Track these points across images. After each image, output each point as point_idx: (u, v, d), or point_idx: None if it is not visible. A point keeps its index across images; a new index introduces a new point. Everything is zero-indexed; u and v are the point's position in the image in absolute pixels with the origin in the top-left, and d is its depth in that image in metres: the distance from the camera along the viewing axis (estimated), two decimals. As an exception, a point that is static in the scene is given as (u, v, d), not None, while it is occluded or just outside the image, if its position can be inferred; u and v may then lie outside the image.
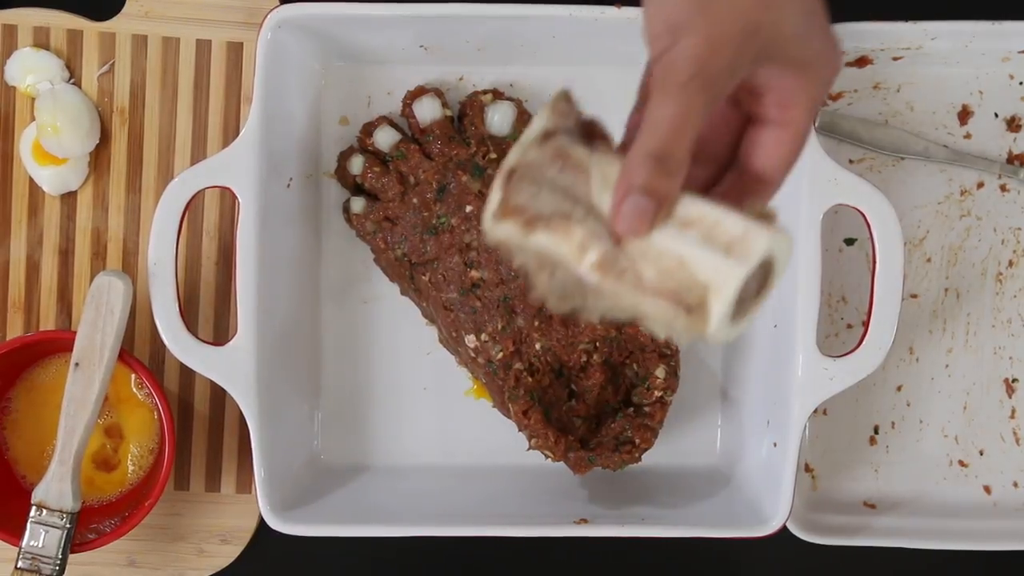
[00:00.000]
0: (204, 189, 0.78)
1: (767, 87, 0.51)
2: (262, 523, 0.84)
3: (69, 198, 0.86)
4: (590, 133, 0.52)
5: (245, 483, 0.87)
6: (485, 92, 0.84)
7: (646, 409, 0.82)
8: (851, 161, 0.87)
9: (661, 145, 0.48)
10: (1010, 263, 0.88)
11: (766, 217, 0.49)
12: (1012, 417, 0.88)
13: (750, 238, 0.48)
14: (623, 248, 0.49)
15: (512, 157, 0.50)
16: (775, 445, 0.79)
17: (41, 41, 0.86)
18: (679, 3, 0.48)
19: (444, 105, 0.84)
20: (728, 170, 0.54)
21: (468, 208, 0.81)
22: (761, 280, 0.50)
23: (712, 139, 0.54)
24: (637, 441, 0.81)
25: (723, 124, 0.54)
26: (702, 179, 0.53)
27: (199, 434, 0.87)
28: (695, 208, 0.49)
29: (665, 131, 0.48)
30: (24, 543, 0.77)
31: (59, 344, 0.81)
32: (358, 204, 0.84)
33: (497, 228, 0.50)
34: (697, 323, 0.49)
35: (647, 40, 0.49)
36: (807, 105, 0.51)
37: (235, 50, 0.86)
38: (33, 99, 0.85)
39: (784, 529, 0.79)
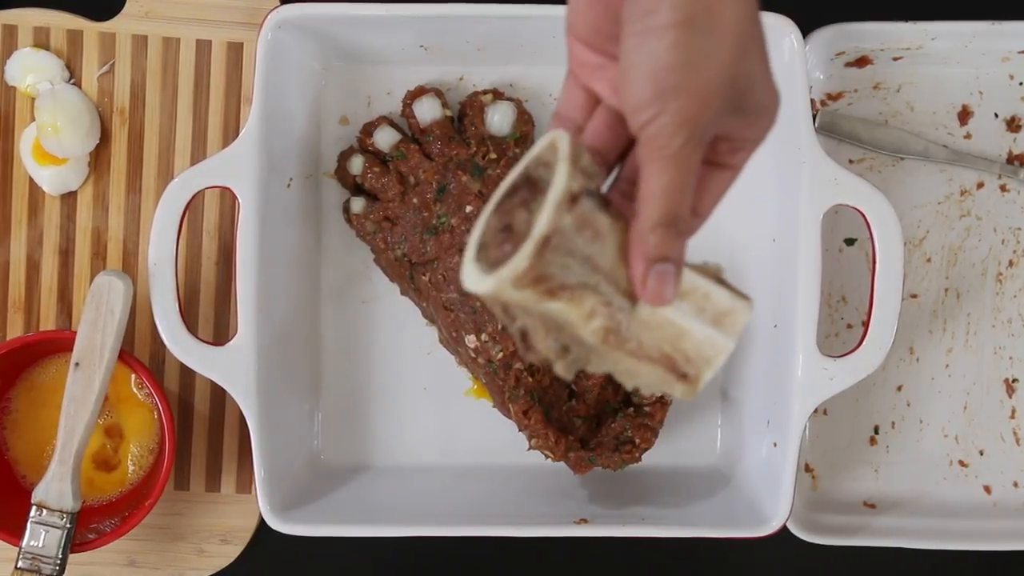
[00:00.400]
0: (204, 189, 0.78)
1: (725, 135, 0.51)
2: (262, 523, 0.84)
3: (69, 198, 0.86)
4: (602, 195, 0.52)
5: (245, 483, 0.87)
6: (485, 92, 0.84)
7: (646, 409, 0.82)
8: (851, 161, 0.87)
9: (668, 212, 0.49)
10: (1010, 263, 0.88)
11: (740, 292, 0.52)
12: (1012, 417, 0.88)
13: (736, 311, 0.52)
14: (633, 315, 0.50)
15: (545, 221, 0.48)
16: (775, 445, 0.79)
17: (41, 41, 0.86)
18: (668, 68, 0.47)
19: (444, 105, 0.84)
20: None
21: (468, 208, 0.81)
22: None
23: (602, 143, 0.54)
24: (637, 441, 0.81)
25: (612, 131, 0.54)
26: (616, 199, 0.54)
27: (199, 434, 0.87)
28: (686, 278, 0.51)
29: (669, 197, 0.49)
30: (24, 543, 0.77)
31: (59, 344, 0.81)
32: (358, 204, 0.84)
33: (511, 292, 0.49)
34: (687, 388, 0.52)
35: (629, 107, 0.48)
36: (755, 149, 0.52)
37: (235, 50, 0.86)
38: (33, 99, 0.85)
39: (784, 529, 0.79)
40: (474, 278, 0.50)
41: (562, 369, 0.52)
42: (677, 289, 0.50)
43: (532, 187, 0.51)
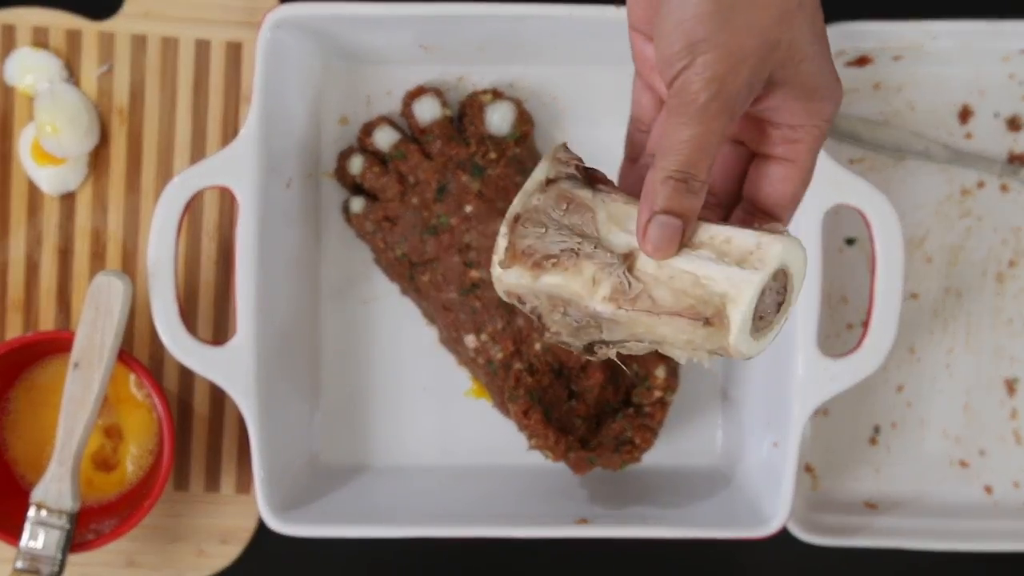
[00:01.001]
0: (203, 189, 0.78)
1: (775, 118, 0.50)
2: (262, 523, 0.84)
3: (68, 198, 0.86)
4: (592, 179, 0.53)
5: (245, 483, 0.87)
6: (485, 92, 0.84)
7: (646, 409, 0.81)
8: (851, 161, 0.87)
9: (683, 166, 0.48)
10: (1011, 263, 0.88)
11: (776, 231, 0.50)
12: (1013, 417, 0.88)
13: (764, 248, 0.49)
14: (636, 276, 0.50)
15: (516, 204, 0.51)
16: (775, 445, 0.79)
17: (40, 41, 0.85)
18: (700, 18, 0.47)
19: (444, 105, 0.84)
20: (733, 209, 0.54)
21: (468, 208, 0.81)
22: (781, 294, 0.50)
23: (717, 181, 0.54)
24: (637, 441, 0.81)
25: (727, 165, 0.54)
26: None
27: (199, 434, 0.87)
28: (704, 231, 0.50)
29: (687, 152, 0.48)
30: (23, 543, 0.77)
31: (58, 344, 0.81)
32: (358, 204, 0.84)
33: (506, 275, 0.51)
34: (717, 336, 0.49)
35: (661, 59, 0.48)
36: (813, 140, 0.50)
37: (234, 50, 0.86)
38: (32, 99, 0.85)
39: (784, 529, 0.79)
40: (495, 273, 0.52)
41: (570, 340, 0.52)
42: (675, 248, 0.49)
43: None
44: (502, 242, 0.51)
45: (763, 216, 0.52)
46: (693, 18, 0.47)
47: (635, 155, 0.56)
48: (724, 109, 0.47)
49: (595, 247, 0.50)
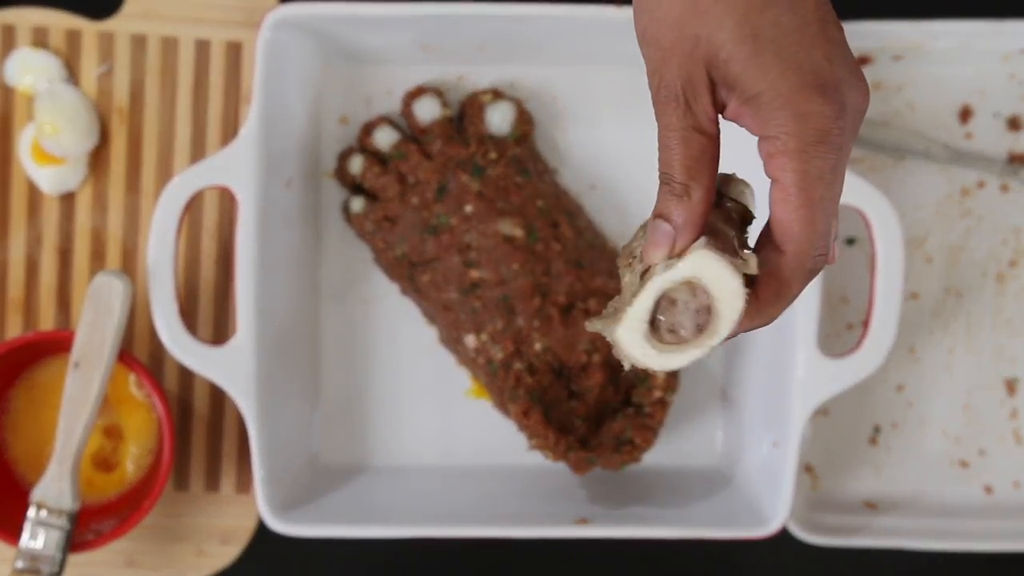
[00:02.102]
0: (203, 189, 0.78)
1: (748, 127, 0.47)
2: (262, 523, 0.84)
3: (68, 198, 0.86)
4: None
5: (245, 483, 0.87)
6: (485, 92, 0.84)
7: (646, 409, 0.81)
8: (851, 161, 0.87)
9: (661, 166, 0.47)
10: (1011, 263, 0.88)
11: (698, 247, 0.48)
12: (1013, 417, 0.88)
13: (680, 259, 0.47)
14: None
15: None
16: (775, 445, 0.79)
17: (40, 41, 0.85)
18: (634, 11, 0.48)
19: (444, 105, 0.84)
20: None
21: (468, 208, 0.81)
22: (703, 316, 0.48)
23: None
24: (637, 441, 0.81)
25: None
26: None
27: (199, 434, 0.87)
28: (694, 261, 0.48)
29: (660, 151, 0.47)
30: (23, 543, 0.77)
31: (58, 344, 0.81)
32: (358, 204, 0.84)
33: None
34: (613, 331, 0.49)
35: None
36: (789, 156, 0.45)
37: (234, 50, 0.86)
38: (32, 99, 0.85)
39: (784, 529, 0.79)
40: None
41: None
42: (667, 253, 0.47)
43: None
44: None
45: (775, 252, 0.47)
46: (632, 12, 0.48)
47: None
48: (669, 102, 0.46)
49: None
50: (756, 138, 0.47)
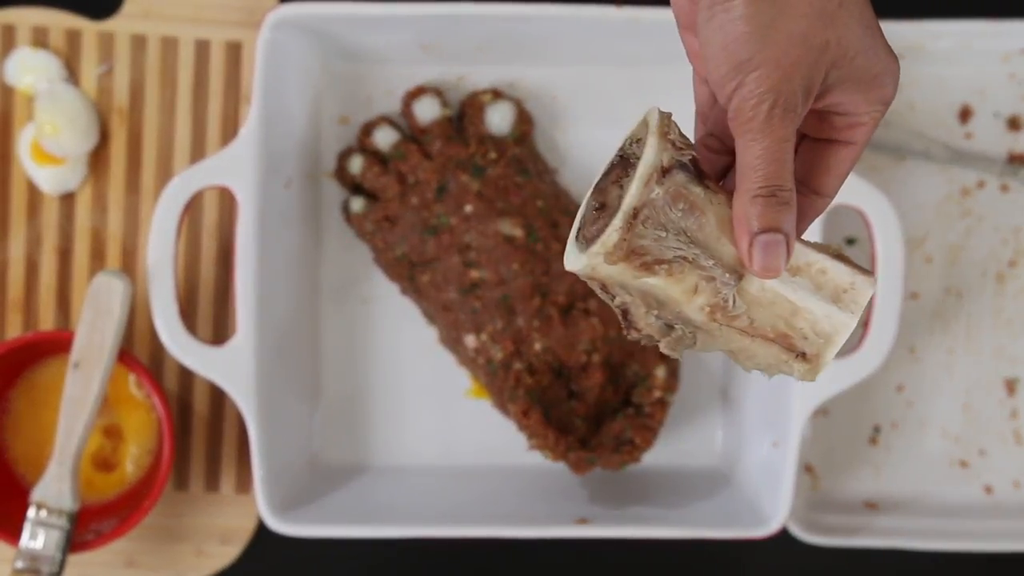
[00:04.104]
0: (203, 189, 0.78)
1: (839, 110, 0.51)
2: (262, 523, 0.84)
3: (68, 198, 0.86)
4: (700, 172, 0.51)
5: (245, 483, 0.86)
6: (485, 92, 0.84)
7: (646, 409, 0.81)
8: (851, 161, 0.87)
9: (764, 181, 0.48)
10: (1011, 263, 0.88)
11: (862, 268, 0.50)
12: (1013, 417, 0.88)
13: (856, 287, 0.49)
14: (740, 293, 0.49)
15: (634, 194, 0.48)
16: (775, 445, 0.79)
17: (40, 41, 0.85)
18: (740, 40, 0.47)
19: (444, 105, 0.84)
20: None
21: (467, 208, 0.81)
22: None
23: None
24: (637, 441, 0.81)
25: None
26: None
27: (199, 434, 0.87)
28: (801, 255, 0.49)
29: (763, 167, 0.48)
30: (23, 543, 0.77)
31: (58, 344, 0.81)
32: (358, 204, 0.84)
33: (604, 267, 0.49)
34: (807, 368, 0.50)
35: (714, 83, 0.49)
36: (875, 121, 0.51)
37: (234, 50, 0.86)
38: (32, 99, 0.85)
39: (784, 529, 0.79)
40: (572, 257, 0.50)
41: (668, 348, 0.51)
42: (785, 261, 0.49)
43: (626, 165, 0.51)
44: (614, 234, 0.48)
45: (811, 197, 0.52)
46: (735, 41, 0.47)
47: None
48: (785, 116, 0.48)
49: (708, 260, 0.49)
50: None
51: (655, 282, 0.49)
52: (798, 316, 0.49)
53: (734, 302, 0.49)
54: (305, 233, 0.85)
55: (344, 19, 0.79)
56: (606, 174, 0.52)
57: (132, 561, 0.86)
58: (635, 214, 0.48)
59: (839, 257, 0.50)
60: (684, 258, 0.49)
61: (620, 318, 0.51)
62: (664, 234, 0.48)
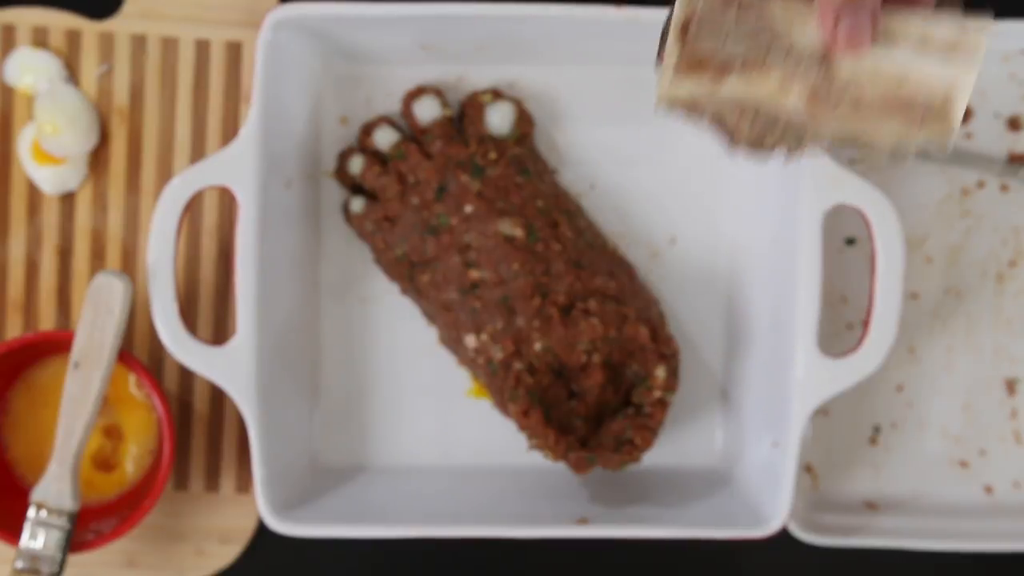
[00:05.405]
0: (203, 189, 0.78)
1: None
2: (262, 523, 0.84)
3: (68, 198, 0.86)
4: None
5: (245, 483, 0.87)
6: (485, 92, 0.84)
7: (646, 409, 0.81)
8: (851, 161, 0.87)
9: None
10: (1011, 263, 0.88)
11: (963, 23, 0.47)
12: (1013, 417, 0.88)
13: (967, 39, 0.46)
14: (832, 76, 0.47)
15: (680, 9, 0.47)
16: (775, 445, 0.79)
17: (40, 41, 0.85)
18: None
19: (444, 105, 0.84)
20: None
21: (468, 208, 0.81)
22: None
23: None
24: (637, 441, 0.81)
25: None
26: None
27: (199, 434, 0.87)
28: (894, 24, 0.47)
29: None
30: (23, 543, 0.77)
31: (58, 344, 0.81)
32: (358, 204, 0.84)
33: (679, 87, 0.47)
34: (936, 131, 0.47)
35: None
36: None
37: (234, 50, 0.86)
38: (32, 99, 0.85)
39: (784, 529, 0.79)
40: (663, 88, 0.49)
41: (779, 151, 0.49)
42: (873, 32, 0.46)
43: None
44: (673, 51, 0.47)
45: None
46: None
47: None
48: None
49: (783, 51, 0.47)
50: None
51: (737, 87, 0.47)
52: (906, 85, 0.47)
53: (832, 88, 0.47)
54: (305, 233, 0.85)
55: (344, 19, 0.79)
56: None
57: (132, 561, 0.86)
58: (684, 27, 0.47)
59: (941, 8, 0.47)
60: (756, 57, 0.47)
61: (717, 135, 0.49)
62: (720, 38, 0.47)
